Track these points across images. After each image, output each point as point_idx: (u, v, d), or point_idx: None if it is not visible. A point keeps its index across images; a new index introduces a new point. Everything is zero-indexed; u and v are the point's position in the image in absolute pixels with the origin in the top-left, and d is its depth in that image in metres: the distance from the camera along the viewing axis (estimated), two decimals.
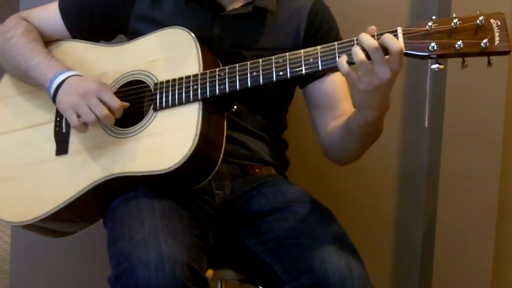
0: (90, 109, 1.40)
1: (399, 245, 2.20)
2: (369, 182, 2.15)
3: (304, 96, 1.61)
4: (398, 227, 2.20)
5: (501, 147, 2.11)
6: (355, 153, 1.50)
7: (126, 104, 1.44)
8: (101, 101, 1.40)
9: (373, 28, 1.27)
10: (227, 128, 1.44)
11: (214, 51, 1.49)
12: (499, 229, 2.15)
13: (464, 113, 2.07)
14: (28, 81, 1.55)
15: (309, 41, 1.56)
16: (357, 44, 1.26)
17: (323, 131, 1.55)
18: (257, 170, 1.57)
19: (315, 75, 1.54)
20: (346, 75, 1.27)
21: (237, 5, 1.54)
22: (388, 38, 1.23)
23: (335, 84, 1.54)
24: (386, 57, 1.23)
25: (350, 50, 1.26)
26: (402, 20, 2.10)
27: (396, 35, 1.24)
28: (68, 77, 1.46)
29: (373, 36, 1.25)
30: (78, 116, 1.42)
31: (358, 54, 1.24)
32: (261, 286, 1.46)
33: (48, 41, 1.62)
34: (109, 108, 1.40)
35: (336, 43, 1.31)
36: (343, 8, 1.80)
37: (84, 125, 1.43)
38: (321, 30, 1.58)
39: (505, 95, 2.09)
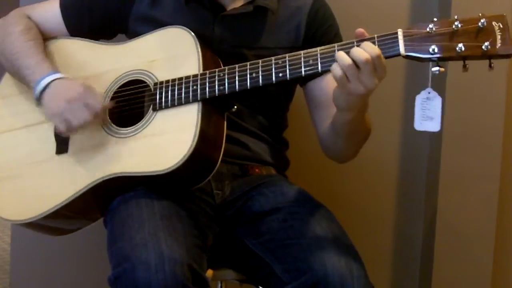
0: (76, 114, 1.42)
1: (399, 246, 2.20)
2: (369, 182, 2.15)
3: (304, 94, 1.61)
4: (398, 227, 2.20)
5: (501, 147, 2.11)
6: (346, 151, 1.52)
7: (109, 105, 1.47)
8: (86, 105, 1.42)
9: (360, 30, 1.27)
10: (227, 128, 1.44)
11: (215, 51, 1.49)
12: (499, 229, 2.15)
13: (464, 114, 2.07)
14: (21, 80, 1.56)
15: (309, 40, 1.56)
16: (357, 46, 1.26)
17: (321, 129, 1.56)
18: (257, 170, 1.57)
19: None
20: (338, 79, 1.27)
21: (238, 4, 1.54)
22: (366, 46, 1.24)
23: (334, 83, 1.54)
24: None
25: (349, 52, 1.26)
26: (402, 19, 2.10)
27: (396, 37, 1.25)
28: (53, 80, 1.48)
29: (372, 39, 1.26)
30: (65, 121, 1.43)
31: (344, 60, 1.25)
32: (261, 286, 1.46)
33: (49, 38, 1.63)
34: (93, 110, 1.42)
35: (336, 44, 1.31)
36: (343, 7, 1.80)
37: (72, 130, 1.45)
38: (321, 28, 1.58)
39: (505, 95, 2.09)
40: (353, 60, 1.24)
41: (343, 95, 1.31)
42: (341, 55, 1.26)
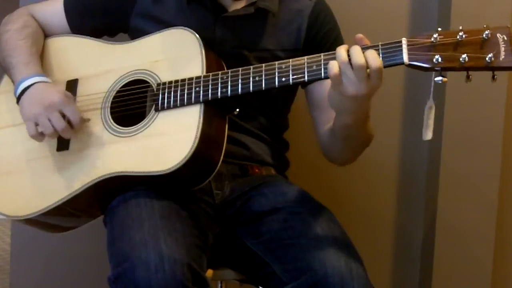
0: (50, 121, 1.43)
1: (399, 245, 2.20)
2: (369, 182, 2.15)
3: (305, 95, 1.61)
4: (398, 227, 2.20)
5: (501, 147, 2.11)
6: (343, 154, 1.52)
7: (87, 119, 1.48)
8: (62, 114, 1.43)
9: (359, 36, 1.27)
10: (228, 129, 1.44)
11: (216, 52, 1.49)
12: (499, 229, 2.15)
13: (464, 113, 2.07)
14: (9, 77, 1.57)
15: (310, 42, 1.56)
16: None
17: (320, 131, 1.56)
18: (256, 170, 1.57)
19: None
20: (333, 77, 1.26)
21: (239, 6, 1.54)
22: (370, 55, 1.23)
23: None
24: (368, 70, 1.23)
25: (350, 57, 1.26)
26: (402, 20, 2.10)
27: (400, 46, 1.24)
28: (34, 83, 1.48)
29: (376, 46, 1.25)
30: (37, 125, 1.44)
31: (336, 63, 1.25)
32: (261, 286, 1.46)
33: (53, 36, 1.64)
34: (69, 121, 1.44)
35: None
36: (344, 8, 1.80)
37: (41, 135, 1.46)
38: (322, 31, 1.58)
39: (505, 95, 2.08)
40: (350, 63, 1.24)
41: (336, 94, 1.30)
42: (340, 51, 1.26)
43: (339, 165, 1.58)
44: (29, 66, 1.52)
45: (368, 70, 1.23)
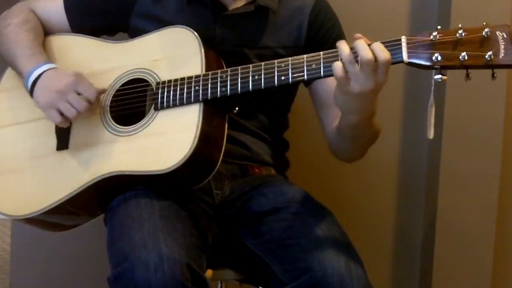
0: (70, 104, 1.43)
1: (399, 245, 2.20)
2: (369, 182, 2.15)
3: (309, 94, 1.61)
4: (398, 227, 2.20)
5: (501, 147, 2.11)
6: (351, 153, 1.52)
7: (103, 89, 1.48)
8: (78, 93, 1.43)
9: (357, 36, 1.26)
10: (227, 128, 1.44)
11: (217, 51, 1.49)
12: (499, 229, 2.15)
13: (464, 113, 2.07)
14: (15, 71, 1.57)
15: (311, 40, 1.56)
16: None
17: (327, 129, 1.56)
18: (256, 170, 1.57)
19: None
20: (339, 77, 1.26)
21: (239, 4, 1.54)
22: (377, 48, 1.23)
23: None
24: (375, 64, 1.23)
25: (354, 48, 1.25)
26: (402, 20, 2.10)
27: (400, 44, 1.24)
28: (44, 71, 1.48)
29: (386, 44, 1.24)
30: (59, 111, 1.44)
31: (345, 52, 1.24)
32: (261, 286, 1.46)
33: (53, 34, 1.64)
34: (87, 98, 1.44)
35: None
36: (344, 8, 1.80)
37: (67, 120, 1.46)
38: (323, 28, 1.58)
39: (505, 95, 2.08)
40: (355, 58, 1.23)
41: (340, 94, 1.30)
42: (343, 47, 1.25)
43: (347, 162, 1.58)
44: (34, 57, 1.52)
45: (375, 64, 1.23)
